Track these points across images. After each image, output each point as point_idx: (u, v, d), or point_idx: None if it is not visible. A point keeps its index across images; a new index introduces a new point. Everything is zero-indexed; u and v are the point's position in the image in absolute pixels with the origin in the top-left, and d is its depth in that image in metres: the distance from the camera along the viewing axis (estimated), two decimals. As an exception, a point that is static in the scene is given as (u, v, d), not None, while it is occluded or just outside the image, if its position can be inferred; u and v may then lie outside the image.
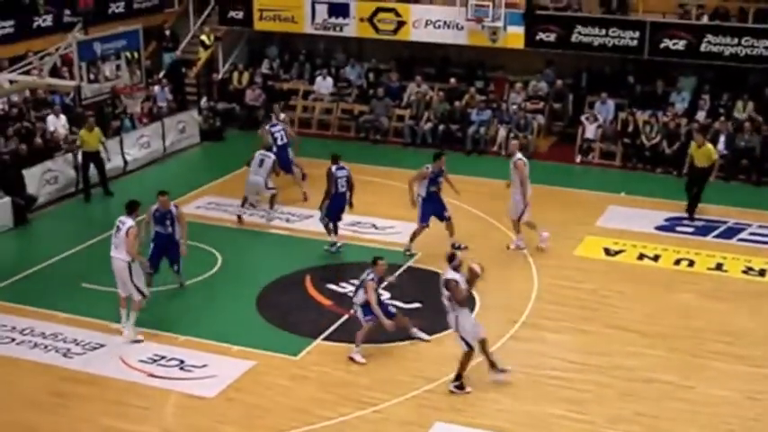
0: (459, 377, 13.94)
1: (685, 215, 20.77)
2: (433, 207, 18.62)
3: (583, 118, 25.70)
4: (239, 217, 20.55)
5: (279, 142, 21.67)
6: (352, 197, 18.88)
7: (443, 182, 18.75)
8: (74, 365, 14.71)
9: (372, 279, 14.76)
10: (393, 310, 15.23)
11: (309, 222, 20.29)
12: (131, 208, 15.55)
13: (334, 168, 18.80)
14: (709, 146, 21.05)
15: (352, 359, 14.77)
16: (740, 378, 14.38)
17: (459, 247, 17.47)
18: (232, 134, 27.42)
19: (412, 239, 18.80)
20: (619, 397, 13.86)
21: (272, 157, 20.65)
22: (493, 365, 14.14)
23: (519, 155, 19.01)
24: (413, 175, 18.82)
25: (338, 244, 18.94)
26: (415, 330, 15.46)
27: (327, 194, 18.75)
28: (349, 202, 18.89)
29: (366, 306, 14.73)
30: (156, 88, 26.49)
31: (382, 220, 20.31)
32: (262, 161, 20.45)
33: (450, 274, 13.87)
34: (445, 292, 13.85)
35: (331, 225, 18.90)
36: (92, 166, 22.17)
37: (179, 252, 16.79)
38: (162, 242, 16.77)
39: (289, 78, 29.53)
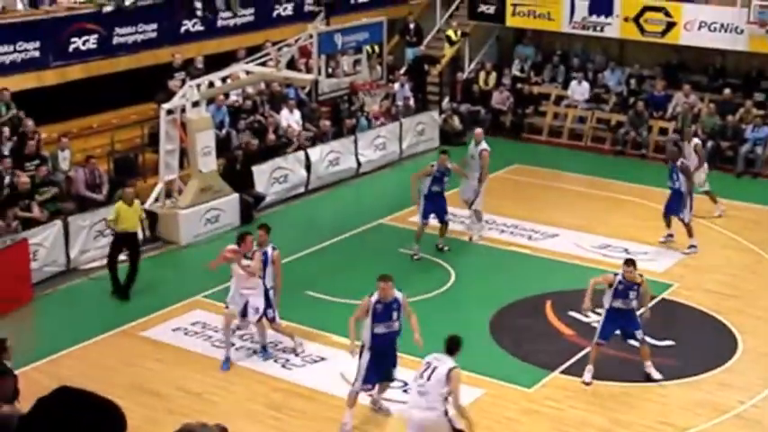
0: None
1: None
2: (433, 206, 19.33)
3: None
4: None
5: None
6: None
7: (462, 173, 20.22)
8: (292, 377, 15.25)
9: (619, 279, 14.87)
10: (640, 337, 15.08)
11: (554, 242, 20.26)
12: (453, 346, 12.73)
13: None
14: None
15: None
16: None
17: (441, 249, 19.65)
18: (474, 139, 27.65)
19: (417, 240, 19.47)
20: None
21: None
22: None
23: (484, 144, 20.51)
24: (416, 172, 19.97)
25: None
26: (648, 365, 15.16)
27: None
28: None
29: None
30: (396, 85, 26.88)
31: (635, 245, 19.97)
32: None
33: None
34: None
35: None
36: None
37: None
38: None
39: (540, 81, 29.51)
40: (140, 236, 18.38)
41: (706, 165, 21.49)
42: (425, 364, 12.49)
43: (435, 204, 19.39)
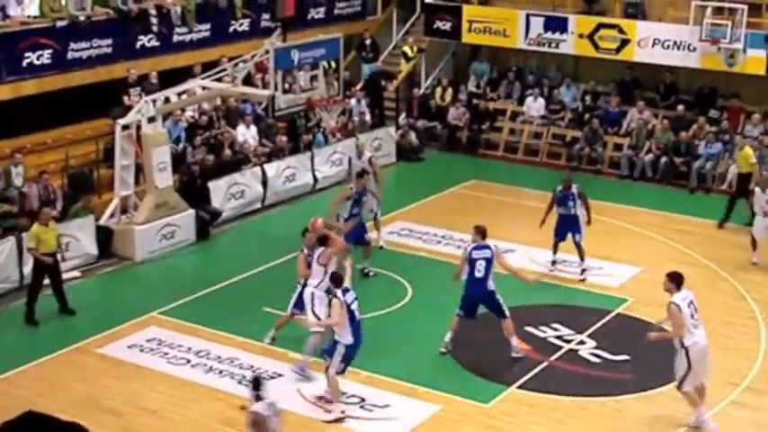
0: None
1: None
2: (354, 230, 19.10)
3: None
4: None
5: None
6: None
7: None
8: (248, 394, 15.13)
9: None
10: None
11: (510, 257, 20.28)
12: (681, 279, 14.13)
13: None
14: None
15: None
16: None
17: (368, 274, 19.38)
18: (431, 155, 27.77)
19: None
20: None
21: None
22: None
23: (367, 153, 21.29)
24: (334, 198, 19.87)
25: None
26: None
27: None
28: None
29: None
30: (353, 101, 27.00)
31: (589, 260, 20.03)
32: None
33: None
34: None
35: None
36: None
37: None
38: None
39: (496, 97, 29.65)
40: (59, 256, 17.92)
41: None
42: (688, 304, 13.83)
43: (355, 228, 19.23)
